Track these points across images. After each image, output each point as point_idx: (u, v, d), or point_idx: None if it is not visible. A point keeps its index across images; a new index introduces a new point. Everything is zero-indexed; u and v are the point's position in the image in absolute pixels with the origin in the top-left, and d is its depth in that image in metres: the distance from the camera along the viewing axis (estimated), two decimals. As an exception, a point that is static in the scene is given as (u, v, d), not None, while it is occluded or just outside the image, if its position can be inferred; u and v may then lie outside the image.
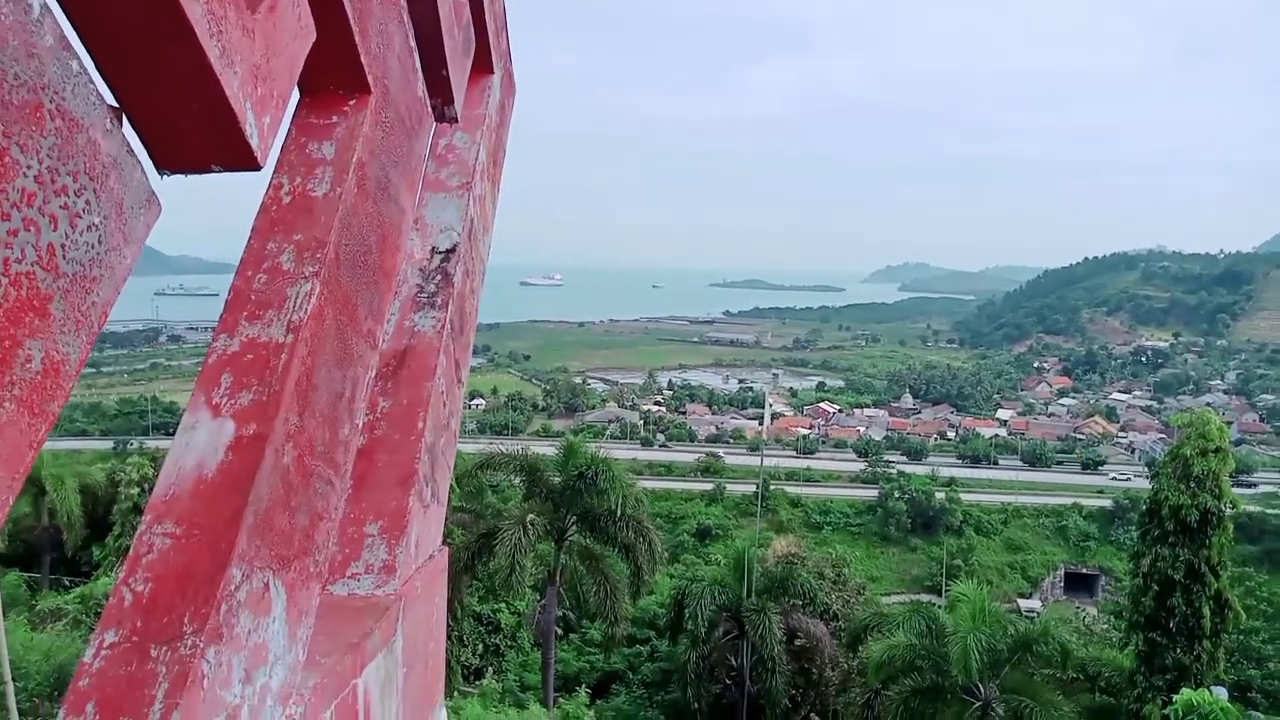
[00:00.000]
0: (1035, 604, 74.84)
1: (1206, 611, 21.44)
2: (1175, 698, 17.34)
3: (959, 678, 19.29)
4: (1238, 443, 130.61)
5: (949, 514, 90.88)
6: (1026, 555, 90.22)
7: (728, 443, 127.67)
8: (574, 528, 27.47)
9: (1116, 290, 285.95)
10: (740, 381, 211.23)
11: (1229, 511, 21.86)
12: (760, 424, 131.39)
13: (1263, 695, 25.51)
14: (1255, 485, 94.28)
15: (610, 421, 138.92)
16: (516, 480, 32.53)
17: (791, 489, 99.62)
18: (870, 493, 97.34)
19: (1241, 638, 25.92)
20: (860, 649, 25.08)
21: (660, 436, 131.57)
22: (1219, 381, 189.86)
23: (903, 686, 20.30)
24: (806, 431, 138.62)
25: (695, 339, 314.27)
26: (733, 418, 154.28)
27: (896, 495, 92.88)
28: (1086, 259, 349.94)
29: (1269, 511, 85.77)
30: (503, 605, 35.86)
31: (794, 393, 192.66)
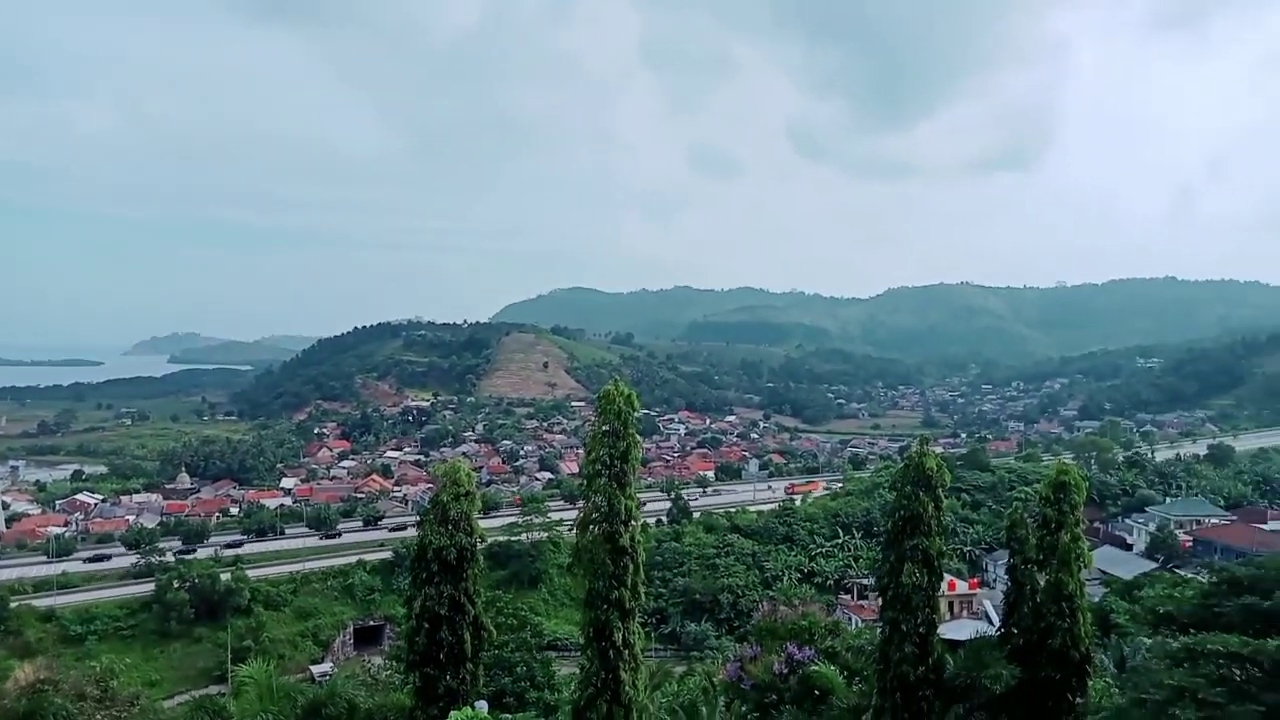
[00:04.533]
0: (327, 666, 76.14)
1: (468, 637, 24.28)
2: (446, 721, 19.34)
3: (247, 766, 18.55)
4: (488, 483, 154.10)
5: (236, 594, 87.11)
6: (318, 620, 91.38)
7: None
8: None
9: (384, 357, 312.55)
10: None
11: (480, 545, 25.31)
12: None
13: (513, 698, 30.15)
14: (498, 518, 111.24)
15: None
16: None
17: (43, 602, 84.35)
18: (146, 588, 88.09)
19: (497, 652, 30.20)
20: (134, 768, 22.26)
21: None
22: (471, 433, 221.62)
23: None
24: (60, 530, 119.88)
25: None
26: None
27: (176, 585, 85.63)
28: (357, 328, 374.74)
29: (512, 539, 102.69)
30: None
31: (42, 486, 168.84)
